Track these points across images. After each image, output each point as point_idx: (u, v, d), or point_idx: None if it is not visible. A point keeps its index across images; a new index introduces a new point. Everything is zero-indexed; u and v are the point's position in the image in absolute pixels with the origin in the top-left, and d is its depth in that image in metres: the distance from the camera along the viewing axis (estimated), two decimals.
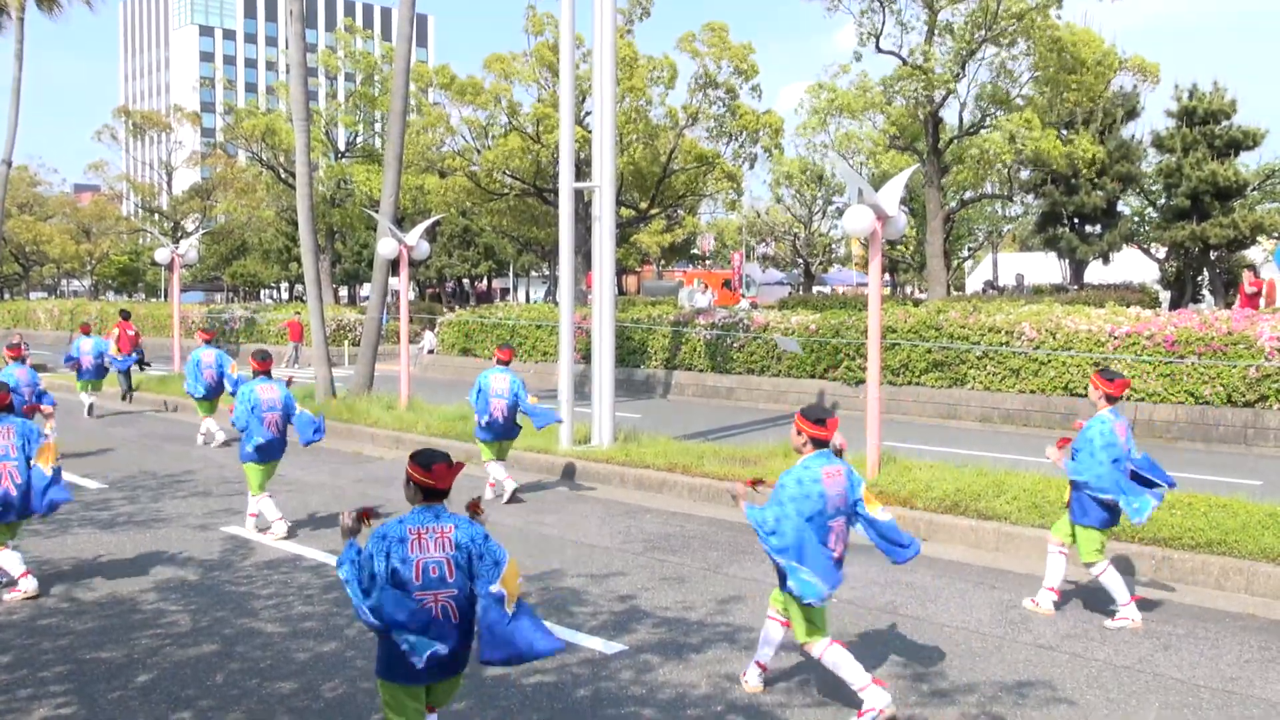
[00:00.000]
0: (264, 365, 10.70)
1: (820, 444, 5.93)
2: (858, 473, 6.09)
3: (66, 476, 13.12)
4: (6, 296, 68.13)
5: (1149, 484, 7.55)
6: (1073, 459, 7.65)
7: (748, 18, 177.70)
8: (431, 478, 4.87)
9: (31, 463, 8.30)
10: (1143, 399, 16.54)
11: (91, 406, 19.66)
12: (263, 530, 10.28)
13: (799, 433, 5.97)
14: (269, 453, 10.31)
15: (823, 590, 5.72)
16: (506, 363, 12.08)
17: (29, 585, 8.18)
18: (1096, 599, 8.06)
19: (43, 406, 12.86)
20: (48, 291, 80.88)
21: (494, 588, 4.79)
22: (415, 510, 4.91)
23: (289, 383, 10.95)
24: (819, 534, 5.80)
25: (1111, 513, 7.53)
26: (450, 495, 4.99)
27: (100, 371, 19.95)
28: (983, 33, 28.07)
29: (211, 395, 16.47)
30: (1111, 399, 7.66)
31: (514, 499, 11.88)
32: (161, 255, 24.65)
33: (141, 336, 24.31)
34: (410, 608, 4.75)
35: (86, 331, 20.32)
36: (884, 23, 29.64)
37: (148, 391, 21.95)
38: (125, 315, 22.77)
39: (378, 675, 4.95)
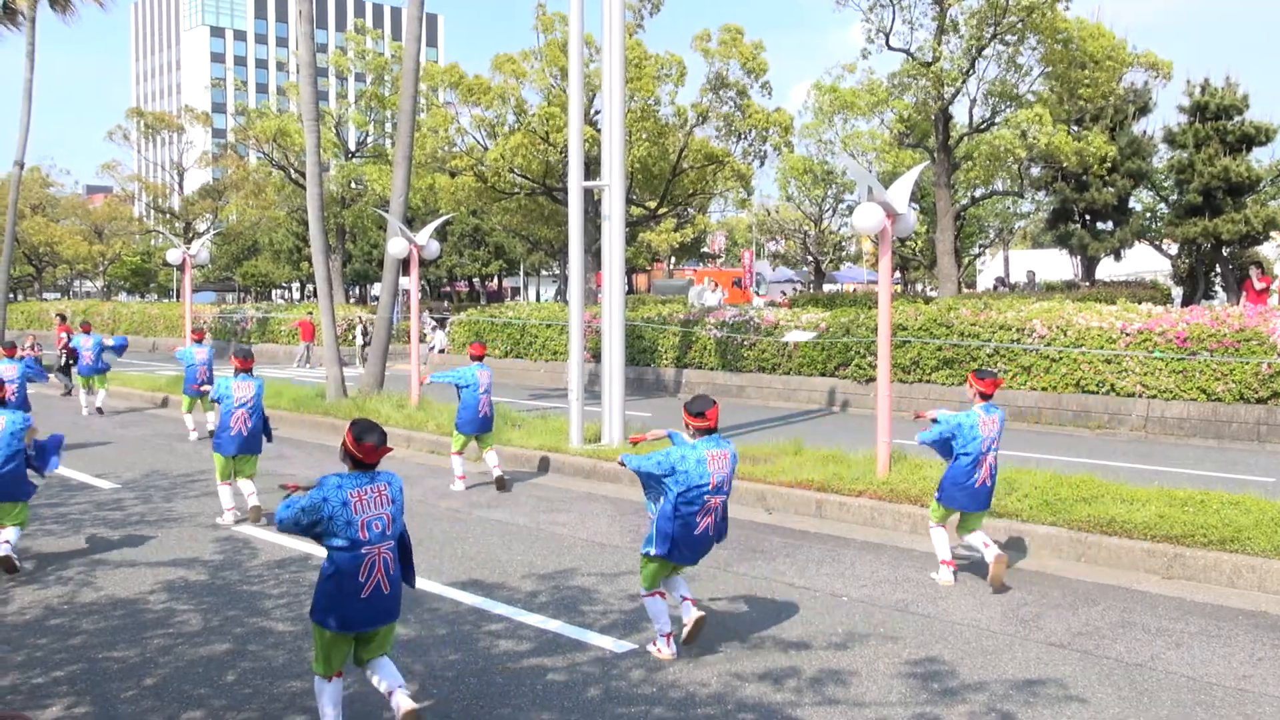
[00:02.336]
0: (244, 364, 11.07)
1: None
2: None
3: (79, 476, 13.26)
4: (20, 298, 68.35)
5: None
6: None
7: (758, 13, 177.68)
8: (360, 451, 5.49)
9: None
10: (1155, 396, 16.48)
11: (100, 410, 19.99)
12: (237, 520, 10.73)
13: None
14: (231, 446, 10.69)
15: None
16: (481, 357, 12.95)
17: None
18: (1108, 598, 8.05)
19: None
20: (61, 292, 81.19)
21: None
22: (351, 475, 5.50)
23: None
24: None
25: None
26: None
27: (99, 365, 20.22)
28: (991, 29, 27.97)
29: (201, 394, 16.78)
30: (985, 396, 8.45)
31: (501, 485, 12.46)
32: (173, 256, 24.75)
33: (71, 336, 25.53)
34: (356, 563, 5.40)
35: (87, 330, 20.68)
36: (893, 19, 29.56)
37: (156, 391, 22.03)
38: (63, 318, 23.97)
39: (312, 618, 5.50)
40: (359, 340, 32.06)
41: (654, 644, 6.82)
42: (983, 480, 8.28)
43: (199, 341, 17.73)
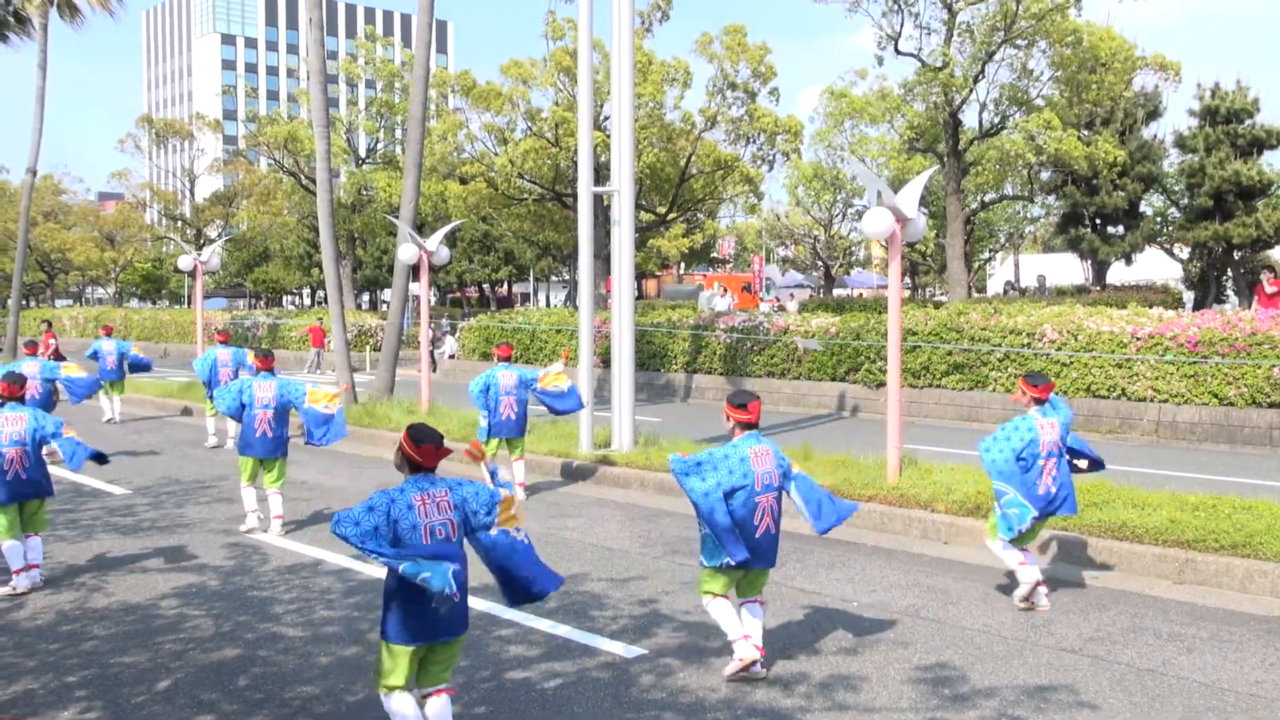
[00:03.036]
0: (265, 363, 11.02)
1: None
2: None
3: (91, 482, 13.31)
4: (32, 304, 68.67)
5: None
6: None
7: (767, 20, 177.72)
8: (419, 454, 5.26)
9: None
10: (1166, 400, 16.43)
11: (111, 419, 19.71)
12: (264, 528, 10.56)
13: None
14: (258, 448, 10.54)
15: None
16: (508, 359, 12.48)
17: (22, 583, 8.50)
18: (1119, 603, 8.03)
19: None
20: (73, 299, 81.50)
21: (494, 530, 5.35)
22: (412, 479, 5.26)
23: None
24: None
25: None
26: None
27: (121, 371, 20.05)
28: (1002, 34, 27.96)
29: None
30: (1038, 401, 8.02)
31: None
32: (185, 262, 24.87)
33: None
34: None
35: (109, 333, 20.58)
36: (902, 25, 29.57)
37: (169, 398, 22.10)
38: (48, 324, 24.44)
39: (382, 637, 5.22)
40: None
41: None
42: (1046, 487, 7.80)
43: (224, 343, 17.40)
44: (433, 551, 5.08)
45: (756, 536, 6.37)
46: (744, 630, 6.45)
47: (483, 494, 5.38)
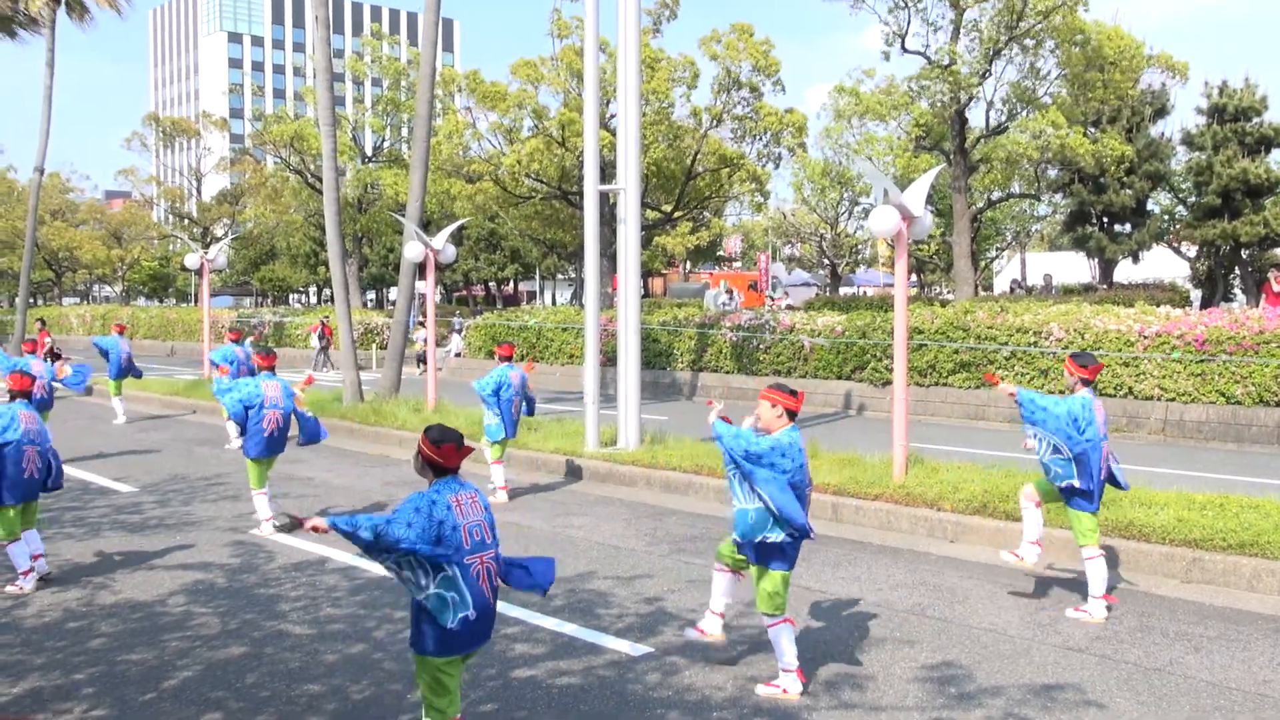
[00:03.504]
0: (268, 361, 10.97)
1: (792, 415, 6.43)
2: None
3: (99, 480, 13.34)
4: (39, 302, 68.83)
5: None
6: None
7: (773, 18, 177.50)
8: (440, 455, 5.05)
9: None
10: (1173, 399, 16.40)
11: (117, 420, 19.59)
12: (279, 528, 10.44)
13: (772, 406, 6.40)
14: (267, 449, 10.47)
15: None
16: (510, 358, 12.41)
17: (28, 584, 8.53)
18: (1126, 602, 8.01)
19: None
20: (80, 297, 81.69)
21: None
22: (442, 481, 5.06)
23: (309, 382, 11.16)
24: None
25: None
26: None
27: (131, 369, 20.02)
28: (1009, 32, 27.90)
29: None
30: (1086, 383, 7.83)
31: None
32: (191, 260, 24.93)
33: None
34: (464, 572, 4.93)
35: (121, 331, 20.59)
36: (909, 22, 29.51)
37: (176, 396, 22.14)
38: (42, 323, 24.55)
39: (420, 652, 4.98)
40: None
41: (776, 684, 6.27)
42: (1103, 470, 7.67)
43: (236, 341, 17.40)
44: (472, 551, 4.97)
45: None
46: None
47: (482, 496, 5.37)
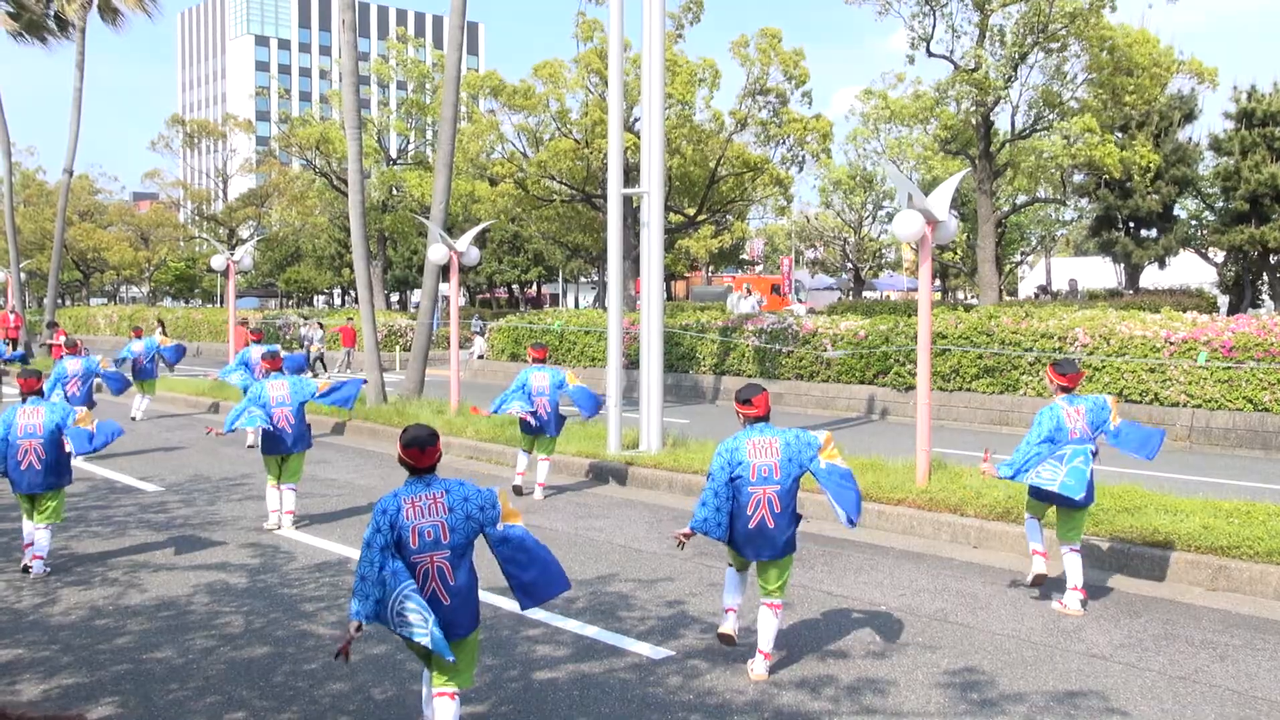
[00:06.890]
0: (274, 363, 11.24)
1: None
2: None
3: (124, 480, 13.46)
4: (68, 303, 69.47)
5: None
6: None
7: (798, 22, 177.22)
8: (408, 456, 5.37)
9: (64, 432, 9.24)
10: (1199, 405, 16.27)
11: (134, 418, 19.62)
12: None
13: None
14: (277, 446, 10.69)
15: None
16: (543, 360, 12.61)
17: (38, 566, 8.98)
18: (1151, 610, 7.96)
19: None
20: (107, 298, 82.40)
21: (499, 525, 5.46)
22: (407, 482, 5.39)
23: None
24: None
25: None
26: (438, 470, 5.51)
27: (153, 370, 20.35)
28: (1034, 36, 27.77)
29: None
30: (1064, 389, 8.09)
31: (518, 491, 12.33)
32: (217, 262, 25.10)
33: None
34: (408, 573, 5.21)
35: (139, 334, 20.87)
36: (934, 27, 29.43)
37: (200, 395, 22.29)
38: (53, 325, 26.04)
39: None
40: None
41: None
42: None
43: (258, 342, 17.62)
44: (420, 550, 5.23)
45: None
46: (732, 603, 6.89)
47: (483, 494, 5.46)
